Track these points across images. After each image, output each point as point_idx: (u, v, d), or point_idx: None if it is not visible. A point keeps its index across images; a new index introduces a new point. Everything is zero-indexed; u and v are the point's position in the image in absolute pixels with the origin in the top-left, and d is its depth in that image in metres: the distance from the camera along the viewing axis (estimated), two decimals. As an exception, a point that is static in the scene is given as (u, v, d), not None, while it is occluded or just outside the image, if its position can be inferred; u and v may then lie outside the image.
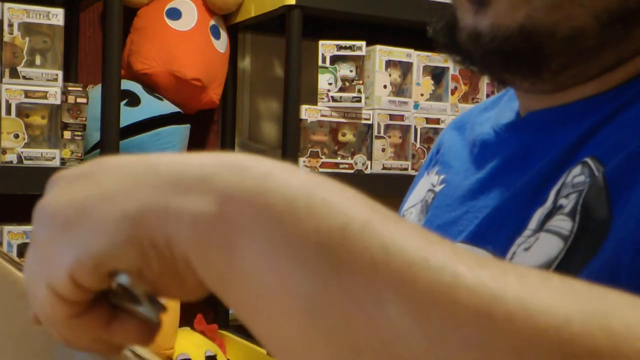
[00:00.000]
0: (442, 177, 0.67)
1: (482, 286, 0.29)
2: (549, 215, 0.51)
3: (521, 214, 0.53)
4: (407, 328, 0.29)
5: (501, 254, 0.52)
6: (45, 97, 1.53)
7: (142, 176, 0.36)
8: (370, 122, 1.84)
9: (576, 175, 0.51)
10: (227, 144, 2.11)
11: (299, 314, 0.31)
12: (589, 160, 0.51)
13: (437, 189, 0.66)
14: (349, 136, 1.83)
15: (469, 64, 0.58)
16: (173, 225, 0.34)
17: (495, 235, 0.54)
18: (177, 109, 1.88)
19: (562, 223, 0.49)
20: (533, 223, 0.52)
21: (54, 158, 1.54)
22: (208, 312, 2.07)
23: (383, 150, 1.85)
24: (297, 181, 0.33)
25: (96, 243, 0.35)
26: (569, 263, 0.48)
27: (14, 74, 1.51)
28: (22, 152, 1.51)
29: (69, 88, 1.60)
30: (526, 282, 0.29)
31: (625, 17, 0.51)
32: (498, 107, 0.66)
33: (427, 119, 1.91)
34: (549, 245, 0.49)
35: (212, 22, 1.95)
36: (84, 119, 1.60)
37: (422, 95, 1.91)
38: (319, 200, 0.32)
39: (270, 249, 0.32)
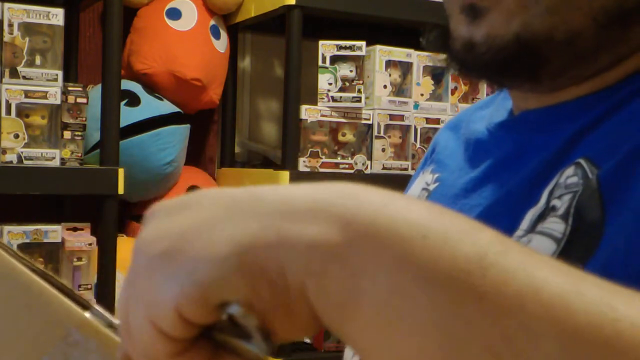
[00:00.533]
0: (436, 175, 0.67)
1: None
2: (541, 216, 0.51)
3: (513, 213, 0.53)
4: None
5: None
6: (45, 97, 1.53)
7: (247, 204, 0.34)
8: (370, 122, 1.84)
9: (569, 176, 0.50)
10: (227, 144, 2.11)
11: (434, 349, 0.29)
12: (582, 161, 0.50)
13: (431, 187, 0.66)
14: (349, 136, 1.83)
15: (464, 72, 0.58)
16: (287, 253, 0.32)
17: None
18: (177, 109, 1.88)
19: (555, 225, 0.49)
20: (525, 223, 0.51)
21: (54, 158, 1.54)
22: (208, 312, 2.07)
23: (383, 150, 1.85)
24: (422, 208, 0.32)
25: (203, 272, 0.33)
26: None
27: (14, 74, 1.51)
28: (22, 152, 1.51)
29: (69, 88, 1.60)
30: None
31: (622, 17, 0.51)
32: (493, 105, 0.66)
33: (427, 119, 1.91)
34: (541, 248, 0.49)
35: (212, 22, 1.95)
36: (84, 119, 1.60)
37: (422, 95, 1.91)
38: (451, 228, 0.31)
39: (401, 277, 0.30)
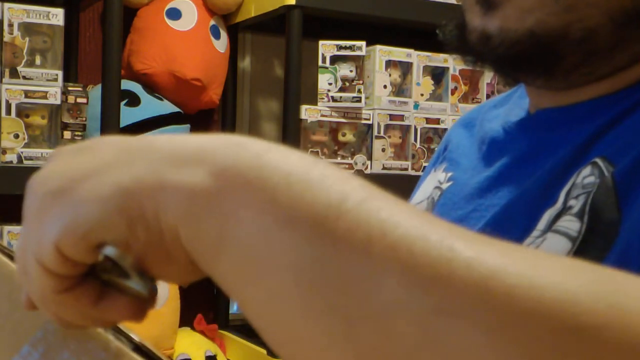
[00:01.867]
0: (449, 174, 0.66)
1: (481, 261, 0.29)
2: (558, 216, 0.50)
3: (530, 214, 0.52)
4: (403, 300, 0.29)
5: None
6: (45, 97, 1.53)
7: (138, 150, 0.36)
8: (370, 122, 1.84)
9: (586, 175, 0.50)
10: (227, 144, 2.10)
11: (290, 285, 0.31)
12: (598, 160, 0.50)
13: (444, 186, 0.65)
14: (349, 136, 1.83)
15: (481, 65, 0.57)
16: (164, 196, 0.34)
17: (504, 235, 0.53)
18: (177, 109, 1.88)
19: (570, 224, 0.49)
20: (542, 224, 0.51)
21: (54, 158, 1.54)
22: (208, 312, 2.07)
23: (383, 150, 1.86)
24: (295, 158, 0.34)
25: (85, 212, 0.35)
26: None
27: (14, 74, 1.51)
28: (22, 152, 1.51)
29: (69, 88, 1.60)
30: (531, 260, 0.29)
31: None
32: (508, 104, 0.66)
33: (427, 119, 1.91)
34: (557, 246, 0.49)
35: (212, 22, 1.95)
36: (84, 119, 1.60)
37: (422, 95, 1.91)
38: (317, 176, 0.33)
39: (265, 220, 0.32)
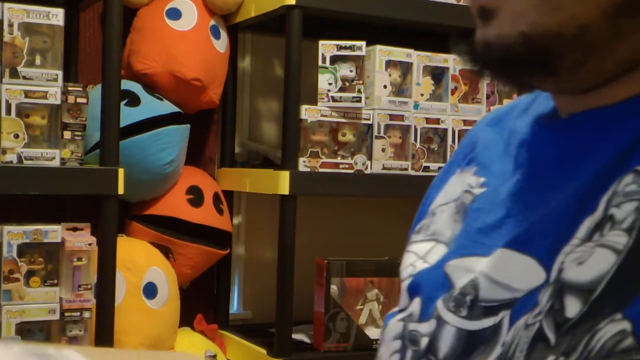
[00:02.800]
0: (481, 179, 0.65)
1: None
2: (599, 225, 0.50)
3: (569, 221, 0.52)
4: None
5: (547, 262, 0.52)
6: (45, 97, 1.53)
7: None
8: (370, 122, 1.84)
9: (628, 183, 0.50)
10: (227, 144, 2.11)
11: None
12: None
13: (477, 191, 0.65)
14: (349, 136, 1.83)
15: (489, 74, 0.58)
16: None
17: (541, 242, 0.53)
18: (177, 109, 1.88)
19: (618, 238, 0.48)
20: (581, 232, 0.51)
21: (54, 158, 1.54)
22: (208, 312, 2.07)
23: (383, 150, 1.85)
24: None
25: None
26: (622, 279, 0.47)
27: (14, 74, 1.51)
28: (22, 152, 1.51)
29: (69, 88, 1.60)
30: None
31: (632, 6, 0.50)
32: (535, 105, 0.65)
33: (427, 119, 1.91)
34: (601, 260, 0.48)
35: (212, 22, 1.95)
36: (84, 119, 1.60)
37: (422, 95, 1.91)
38: None
39: None
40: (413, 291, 0.63)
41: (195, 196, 1.93)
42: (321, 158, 1.80)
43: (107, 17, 1.61)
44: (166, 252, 1.86)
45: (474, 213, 0.63)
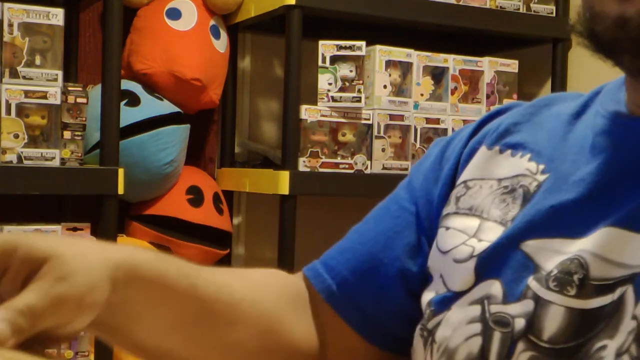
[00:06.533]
0: (541, 166, 0.64)
1: None
2: None
3: None
4: None
5: None
6: (45, 97, 1.53)
7: None
8: (370, 122, 1.84)
9: None
10: (227, 144, 2.11)
11: None
12: None
13: (540, 178, 0.63)
14: (349, 136, 1.83)
15: (610, 54, 0.56)
16: None
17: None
18: (177, 109, 1.88)
19: None
20: None
21: (53, 158, 1.54)
22: (208, 312, 2.07)
23: (383, 150, 1.85)
24: None
25: None
26: None
27: (14, 74, 1.51)
28: (22, 152, 1.51)
29: (69, 88, 1.60)
30: None
31: None
32: (594, 106, 0.64)
33: (427, 119, 1.91)
34: None
35: (212, 22, 1.95)
36: (84, 119, 1.60)
37: (422, 95, 1.91)
38: None
39: None
40: (483, 272, 0.61)
41: (195, 196, 1.93)
42: (321, 158, 1.80)
43: (107, 17, 1.60)
44: (166, 252, 1.86)
45: (544, 195, 0.61)
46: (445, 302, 0.63)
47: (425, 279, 0.69)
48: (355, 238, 0.74)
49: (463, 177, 0.69)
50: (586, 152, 0.61)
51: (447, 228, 0.67)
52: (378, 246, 0.72)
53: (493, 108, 0.76)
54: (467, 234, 0.64)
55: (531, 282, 0.57)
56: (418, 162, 0.78)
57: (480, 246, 0.62)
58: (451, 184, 0.71)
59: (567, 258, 0.56)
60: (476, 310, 0.60)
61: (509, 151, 0.67)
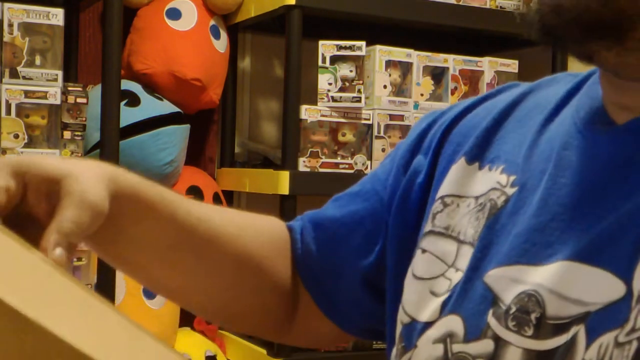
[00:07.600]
0: (512, 178, 0.61)
1: None
2: None
3: (636, 236, 0.50)
4: None
5: (625, 274, 0.49)
6: (45, 97, 1.53)
7: None
8: (370, 122, 1.84)
9: None
10: (227, 144, 2.11)
11: None
12: None
13: (509, 191, 0.61)
14: (349, 136, 1.83)
15: (552, 40, 0.54)
16: None
17: (613, 252, 0.51)
18: (177, 109, 1.88)
19: None
20: None
21: (54, 158, 1.54)
22: (208, 312, 2.07)
23: (383, 150, 1.85)
24: None
25: None
26: None
27: (14, 74, 1.51)
28: (22, 152, 1.51)
29: (69, 88, 1.60)
30: None
31: None
32: (576, 99, 0.62)
33: (427, 119, 1.91)
34: None
35: (212, 22, 1.95)
36: (84, 119, 1.61)
37: (422, 95, 1.91)
38: None
39: None
40: (445, 305, 0.60)
41: (195, 196, 1.93)
42: (321, 158, 1.80)
43: (107, 17, 1.61)
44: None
45: (510, 217, 0.59)
46: (411, 336, 0.62)
47: (382, 266, 0.70)
48: (329, 213, 0.75)
49: (441, 191, 0.67)
50: (551, 166, 0.59)
51: (424, 251, 0.65)
52: (342, 230, 0.73)
53: (468, 100, 0.73)
54: (446, 263, 0.63)
55: (490, 319, 0.56)
56: (405, 139, 0.76)
57: (456, 278, 0.61)
58: (421, 191, 0.69)
59: (524, 291, 0.54)
60: (439, 349, 0.59)
61: (487, 166, 0.65)
